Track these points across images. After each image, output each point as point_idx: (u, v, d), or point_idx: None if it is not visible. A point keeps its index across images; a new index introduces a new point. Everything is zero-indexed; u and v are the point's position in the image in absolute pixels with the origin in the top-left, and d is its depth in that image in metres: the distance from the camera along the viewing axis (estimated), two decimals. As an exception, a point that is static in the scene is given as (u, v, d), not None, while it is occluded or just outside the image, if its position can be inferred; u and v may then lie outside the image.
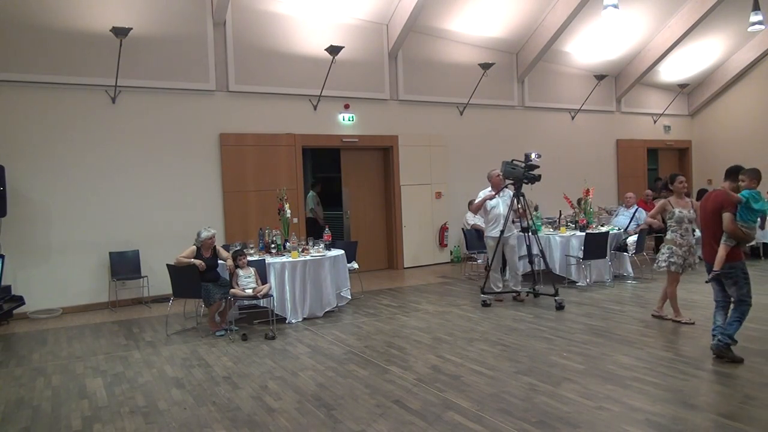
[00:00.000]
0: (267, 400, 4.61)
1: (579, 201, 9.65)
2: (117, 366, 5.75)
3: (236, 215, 9.74)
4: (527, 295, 8.07)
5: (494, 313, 7.36)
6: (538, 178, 7.64)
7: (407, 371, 5.18)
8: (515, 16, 11.40)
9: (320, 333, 6.74)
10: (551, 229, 9.38)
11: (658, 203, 6.67)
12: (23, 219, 8.22)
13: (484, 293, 7.83)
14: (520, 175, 7.59)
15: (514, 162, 7.72)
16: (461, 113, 12.12)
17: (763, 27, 11.08)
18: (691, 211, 6.32)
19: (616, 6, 9.11)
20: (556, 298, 7.41)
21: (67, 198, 8.54)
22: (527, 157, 7.72)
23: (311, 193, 12.32)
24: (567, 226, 9.33)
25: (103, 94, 8.77)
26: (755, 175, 5.16)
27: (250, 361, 5.71)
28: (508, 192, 7.95)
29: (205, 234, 6.88)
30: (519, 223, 8.06)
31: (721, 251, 5.12)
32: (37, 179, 8.36)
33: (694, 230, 6.57)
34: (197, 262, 6.75)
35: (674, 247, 6.33)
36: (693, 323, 6.34)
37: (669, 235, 6.43)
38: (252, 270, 6.83)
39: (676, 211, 6.32)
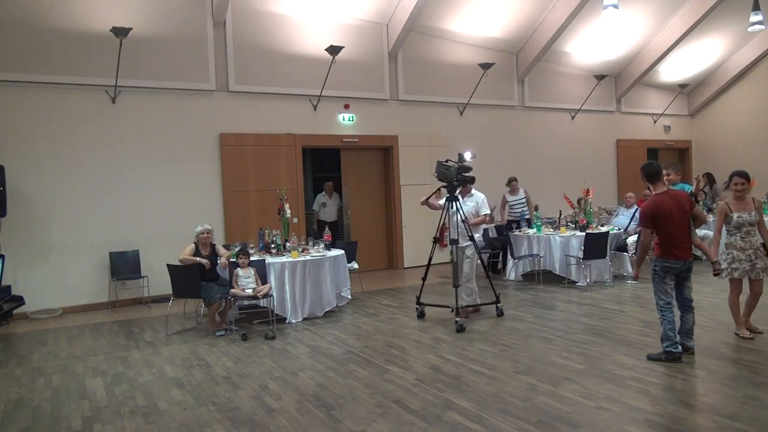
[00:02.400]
0: (267, 400, 4.61)
1: (579, 201, 9.65)
2: (117, 366, 5.75)
3: (236, 215, 9.74)
4: (452, 311, 6.87)
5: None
6: (471, 180, 6.95)
7: (407, 371, 5.18)
8: (515, 16, 11.40)
9: (320, 333, 6.74)
10: (551, 229, 9.38)
11: (718, 209, 5.77)
12: (23, 219, 8.22)
13: (419, 303, 7.34)
14: (452, 176, 6.77)
15: (448, 162, 6.90)
16: (461, 113, 12.12)
17: (763, 27, 11.07)
18: (753, 214, 5.61)
19: (616, 6, 9.10)
20: (457, 319, 6.59)
21: (67, 198, 8.54)
22: (461, 156, 7.01)
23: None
24: (567, 226, 9.33)
25: (103, 94, 8.78)
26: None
27: (250, 361, 5.71)
28: (477, 194, 7.31)
29: (199, 229, 6.92)
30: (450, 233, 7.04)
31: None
32: (37, 179, 8.36)
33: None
34: (204, 261, 6.79)
35: (735, 252, 5.63)
36: (752, 338, 5.66)
37: (728, 239, 5.73)
38: (252, 270, 6.82)
39: (735, 216, 5.62)
